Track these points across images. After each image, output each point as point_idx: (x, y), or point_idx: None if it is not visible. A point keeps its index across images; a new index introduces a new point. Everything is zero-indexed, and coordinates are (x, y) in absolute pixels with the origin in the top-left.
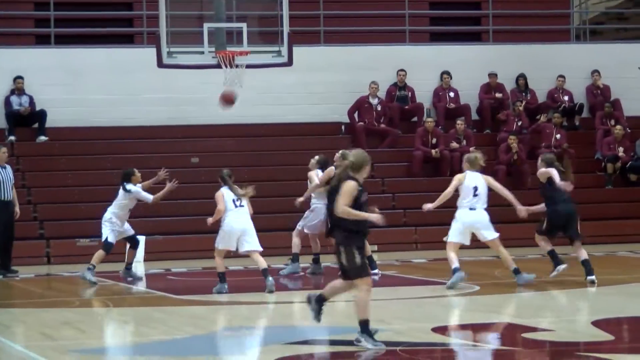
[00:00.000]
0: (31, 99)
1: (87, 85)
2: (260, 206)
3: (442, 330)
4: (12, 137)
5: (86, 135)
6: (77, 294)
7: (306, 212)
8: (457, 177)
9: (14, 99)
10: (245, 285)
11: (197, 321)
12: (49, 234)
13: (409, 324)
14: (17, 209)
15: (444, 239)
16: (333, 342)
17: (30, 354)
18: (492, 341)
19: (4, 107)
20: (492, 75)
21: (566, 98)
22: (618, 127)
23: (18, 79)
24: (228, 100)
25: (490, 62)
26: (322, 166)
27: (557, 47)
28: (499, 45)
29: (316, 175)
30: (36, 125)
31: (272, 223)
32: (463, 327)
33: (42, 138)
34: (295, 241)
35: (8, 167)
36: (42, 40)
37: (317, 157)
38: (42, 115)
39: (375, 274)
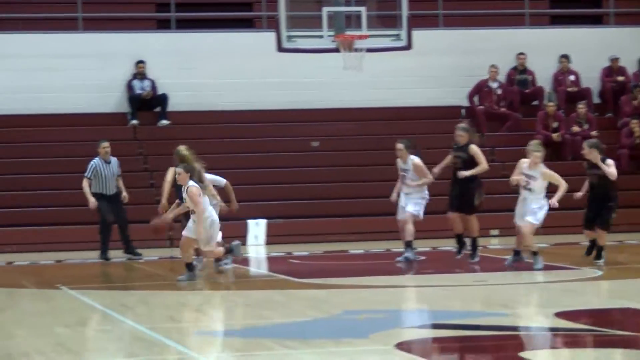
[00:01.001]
0: (153, 83)
1: (207, 69)
2: (380, 190)
3: (566, 315)
4: (134, 121)
5: (207, 119)
6: (200, 276)
7: (415, 199)
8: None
9: (136, 83)
10: (367, 269)
11: (318, 304)
12: None
13: (532, 308)
14: (124, 193)
15: (531, 219)
16: (455, 327)
17: (155, 336)
18: (616, 326)
19: (126, 91)
20: (614, 59)
21: None
22: None
23: (140, 63)
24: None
25: (612, 45)
26: (413, 149)
27: None
28: (620, 27)
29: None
30: (158, 109)
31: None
32: (587, 312)
33: (164, 122)
34: (410, 228)
35: (113, 161)
36: (162, 25)
37: (403, 142)
38: (163, 99)
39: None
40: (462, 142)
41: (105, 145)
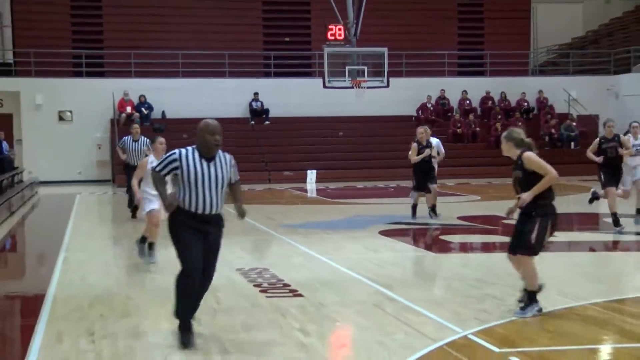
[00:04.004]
0: (262, 103)
1: (288, 97)
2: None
3: (465, 218)
4: (252, 122)
5: (290, 122)
6: (285, 198)
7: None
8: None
9: (253, 103)
10: (370, 194)
11: (343, 211)
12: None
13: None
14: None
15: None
16: (407, 224)
17: (259, 226)
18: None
19: (248, 106)
20: (488, 92)
21: (525, 104)
22: (553, 120)
23: (255, 93)
24: None
25: (487, 86)
26: None
27: (521, 79)
28: (493, 77)
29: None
30: (264, 116)
31: None
32: (469, 217)
33: (267, 122)
34: None
35: (141, 138)
36: (267, 74)
37: None
38: (267, 111)
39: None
40: (610, 135)
41: (136, 127)
